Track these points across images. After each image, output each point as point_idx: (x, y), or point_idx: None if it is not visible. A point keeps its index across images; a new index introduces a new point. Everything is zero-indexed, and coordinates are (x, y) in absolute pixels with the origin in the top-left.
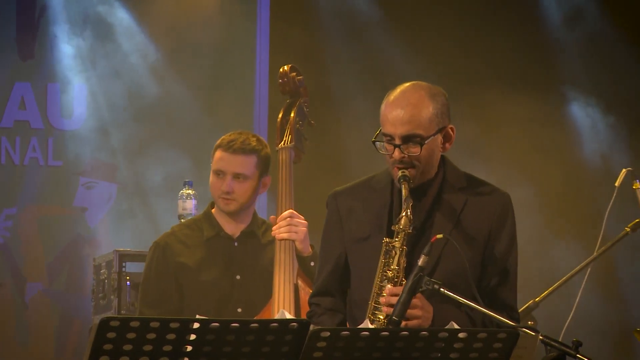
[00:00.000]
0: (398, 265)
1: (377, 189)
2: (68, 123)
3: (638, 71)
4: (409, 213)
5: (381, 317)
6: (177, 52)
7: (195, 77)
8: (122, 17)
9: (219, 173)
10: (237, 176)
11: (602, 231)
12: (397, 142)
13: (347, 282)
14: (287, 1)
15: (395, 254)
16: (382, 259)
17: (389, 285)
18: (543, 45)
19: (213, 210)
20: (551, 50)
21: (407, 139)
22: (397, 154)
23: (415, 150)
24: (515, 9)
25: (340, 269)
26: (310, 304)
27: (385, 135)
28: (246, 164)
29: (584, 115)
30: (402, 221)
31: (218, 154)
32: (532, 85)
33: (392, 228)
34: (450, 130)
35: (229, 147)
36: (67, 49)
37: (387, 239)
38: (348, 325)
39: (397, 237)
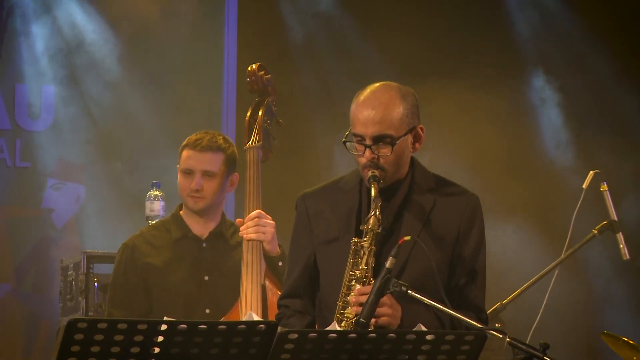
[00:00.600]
0: (366, 265)
1: (345, 190)
2: (36, 124)
3: (608, 71)
4: (377, 213)
5: (350, 315)
6: (145, 51)
7: (163, 77)
8: (89, 19)
9: (188, 172)
10: (205, 173)
11: (569, 233)
12: (368, 142)
13: (316, 284)
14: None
15: (364, 254)
16: (350, 259)
17: (357, 285)
18: (507, 42)
19: (181, 211)
20: (515, 46)
21: (378, 139)
22: (368, 154)
23: (385, 150)
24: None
25: (309, 271)
26: (279, 305)
27: (355, 135)
28: (214, 161)
29: (551, 117)
30: (371, 221)
31: (186, 153)
32: (498, 83)
33: (361, 228)
34: (420, 130)
35: (196, 146)
36: (35, 49)
37: (356, 239)
38: (317, 327)
39: (366, 237)
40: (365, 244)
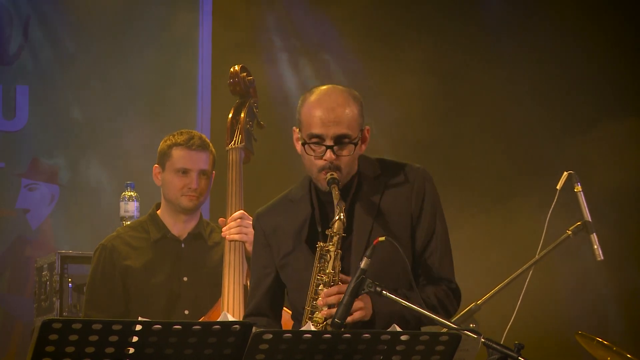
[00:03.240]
0: (333, 269)
1: (295, 200)
2: (10, 124)
3: (584, 66)
4: (342, 217)
5: (319, 320)
6: (120, 52)
7: (138, 77)
8: (65, 17)
9: (184, 171)
10: (202, 172)
11: (543, 234)
12: (329, 143)
13: (281, 301)
14: (229, 1)
15: (330, 257)
16: (316, 264)
17: (325, 289)
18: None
19: (158, 211)
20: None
21: (339, 140)
22: (329, 155)
23: (346, 151)
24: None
25: (273, 290)
26: None
27: (313, 136)
28: (207, 161)
29: (526, 117)
30: (336, 225)
31: (179, 152)
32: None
33: (326, 232)
34: (366, 131)
35: (191, 145)
36: (9, 49)
37: (322, 243)
38: None
39: (332, 241)
40: (331, 248)
